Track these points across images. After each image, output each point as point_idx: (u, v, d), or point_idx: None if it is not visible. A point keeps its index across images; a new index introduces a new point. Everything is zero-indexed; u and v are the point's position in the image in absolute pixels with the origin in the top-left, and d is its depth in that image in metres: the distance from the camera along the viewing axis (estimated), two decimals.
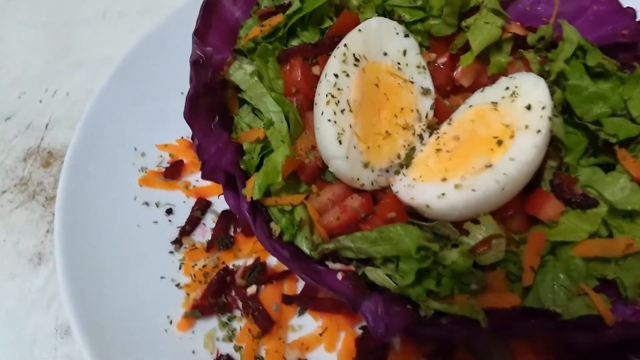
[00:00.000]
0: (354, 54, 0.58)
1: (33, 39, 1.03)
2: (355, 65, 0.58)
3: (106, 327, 0.58)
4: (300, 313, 0.64)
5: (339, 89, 0.56)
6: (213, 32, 0.69)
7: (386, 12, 0.67)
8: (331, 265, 0.56)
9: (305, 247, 0.57)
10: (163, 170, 0.73)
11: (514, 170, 0.51)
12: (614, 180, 0.54)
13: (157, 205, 0.70)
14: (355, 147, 0.56)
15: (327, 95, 0.56)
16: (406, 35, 0.62)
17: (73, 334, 0.57)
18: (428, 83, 0.62)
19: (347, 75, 0.57)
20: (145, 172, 0.72)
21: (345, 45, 0.58)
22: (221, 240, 0.68)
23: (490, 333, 0.51)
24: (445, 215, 0.54)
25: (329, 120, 0.55)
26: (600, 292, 0.53)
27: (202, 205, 0.71)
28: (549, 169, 0.57)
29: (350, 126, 0.56)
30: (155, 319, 0.61)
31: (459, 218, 0.54)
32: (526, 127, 0.53)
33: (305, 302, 0.64)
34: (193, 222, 0.70)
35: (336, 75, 0.56)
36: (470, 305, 0.51)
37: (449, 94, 0.64)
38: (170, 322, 0.61)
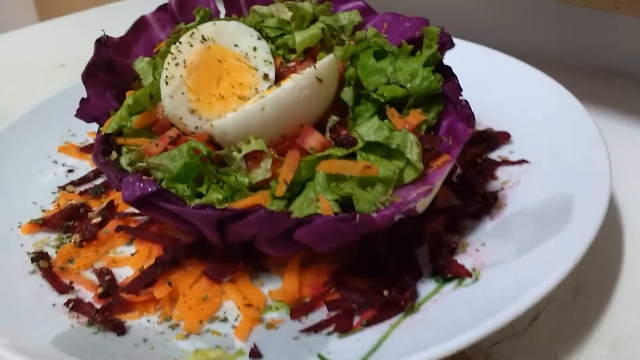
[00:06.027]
0: (202, 35, 0.75)
1: None
2: (201, 42, 0.75)
3: None
4: (129, 244, 0.73)
5: (179, 51, 0.73)
6: (138, 45, 0.91)
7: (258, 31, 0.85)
8: None
9: (124, 165, 0.69)
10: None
11: (272, 94, 0.63)
12: (368, 122, 0.63)
13: (63, 164, 0.87)
14: (183, 93, 0.71)
15: (170, 54, 0.73)
16: (259, 38, 0.79)
17: None
18: (270, 73, 0.77)
19: (191, 45, 0.74)
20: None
21: (197, 29, 0.76)
22: (94, 189, 0.81)
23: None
24: (224, 134, 0.65)
25: (164, 69, 0.71)
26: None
27: (97, 173, 0.86)
28: (331, 122, 0.67)
29: (181, 76, 0.71)
30: (7, 222, 0.74)
31: (235, 138, 0.64)
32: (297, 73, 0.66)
33: (132, 231, 0.73)
34: (83, 180, 0.84)
35: (181, 42, 0.73)
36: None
37: None
38: (19, 225, 0.73)
